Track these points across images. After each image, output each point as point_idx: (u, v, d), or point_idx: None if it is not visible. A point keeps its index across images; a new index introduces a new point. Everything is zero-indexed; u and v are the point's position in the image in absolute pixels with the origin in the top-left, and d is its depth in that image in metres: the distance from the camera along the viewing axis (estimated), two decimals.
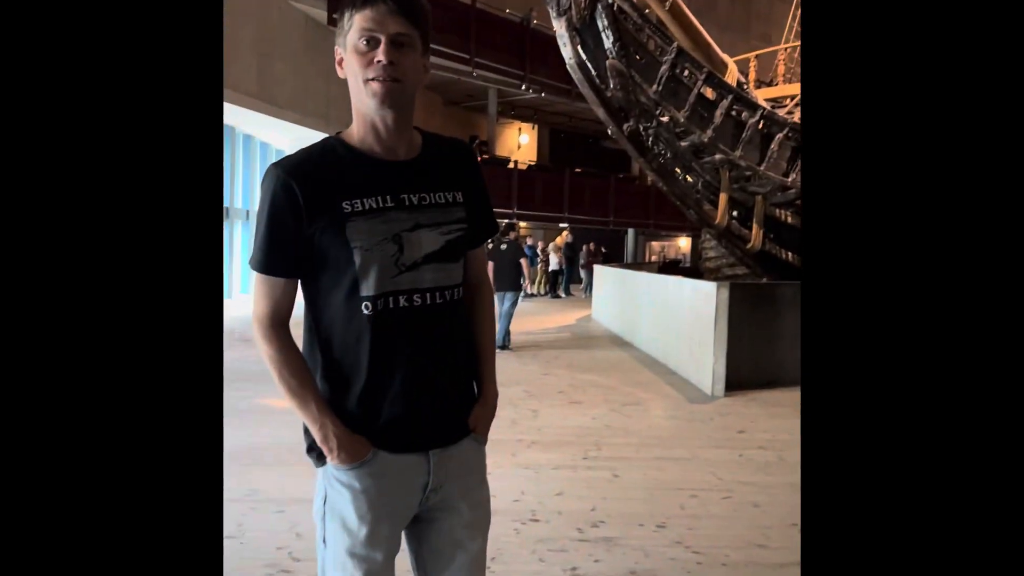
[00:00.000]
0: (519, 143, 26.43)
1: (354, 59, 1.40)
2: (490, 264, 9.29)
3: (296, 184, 1.40)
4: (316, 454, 1.51)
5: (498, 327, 9.19)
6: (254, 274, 1.48)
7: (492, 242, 12.19)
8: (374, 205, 1.42)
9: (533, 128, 26.97)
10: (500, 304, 9.39)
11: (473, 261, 1.63)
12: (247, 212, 17.13)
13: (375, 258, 1.42)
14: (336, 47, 1.46)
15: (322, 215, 1.41)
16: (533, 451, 4.92)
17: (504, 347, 9.51)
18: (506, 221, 12.12)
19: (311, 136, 15.69)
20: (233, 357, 8.43)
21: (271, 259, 1.44)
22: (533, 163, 24.41)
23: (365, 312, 1.43)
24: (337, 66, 1.47)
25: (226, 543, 3.25)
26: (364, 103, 1.42)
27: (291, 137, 16.46)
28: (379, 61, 1.37)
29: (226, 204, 16.16)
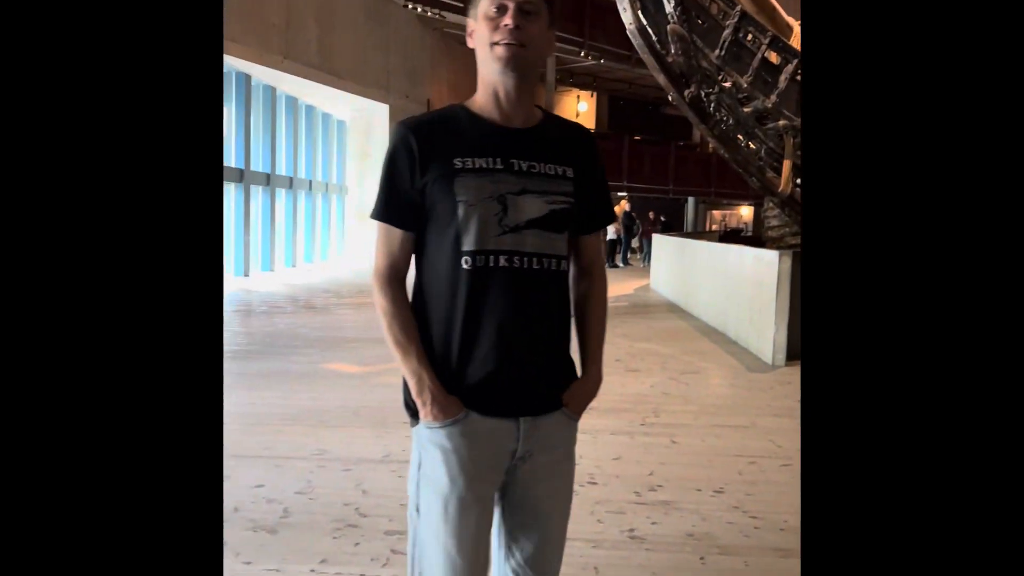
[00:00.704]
0: (577, 111, 26.20)
1: (484, 25, 1.47)
2: None
3: (414, 138, 1.49)
4: (412, 410, 1.54)
5: None
6: (375, 229, 1.56)
7: None
8: (484, 165, 1.48)
9: (592, 95, 26.69)
10: None
11: (587, 247, 1.67)
12: (310, 183, 17.44)
13: (478, 214, 1.47)
14: (468, 19, 1.53)
15: (434, 169, 1.48)
16: (590, 417, 4.93)
17: None
18: None
19: (371, 107, 15.85)
20: (298, 323, 8.70)
21: (389, 208, 1.52)
22: (592, 131, 24.17)
23: (465, 267, 1.48)
24: (468, 38, 1.54)
25: (296, 499, 3.42)
26: (489, 68, 1.49)
27: (352, 108, 16.65)
28: (506, 25, 1.43)
29: (290, 175, 16.50)
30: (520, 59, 1.46)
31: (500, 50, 1.45)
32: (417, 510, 1.55)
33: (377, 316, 1.54)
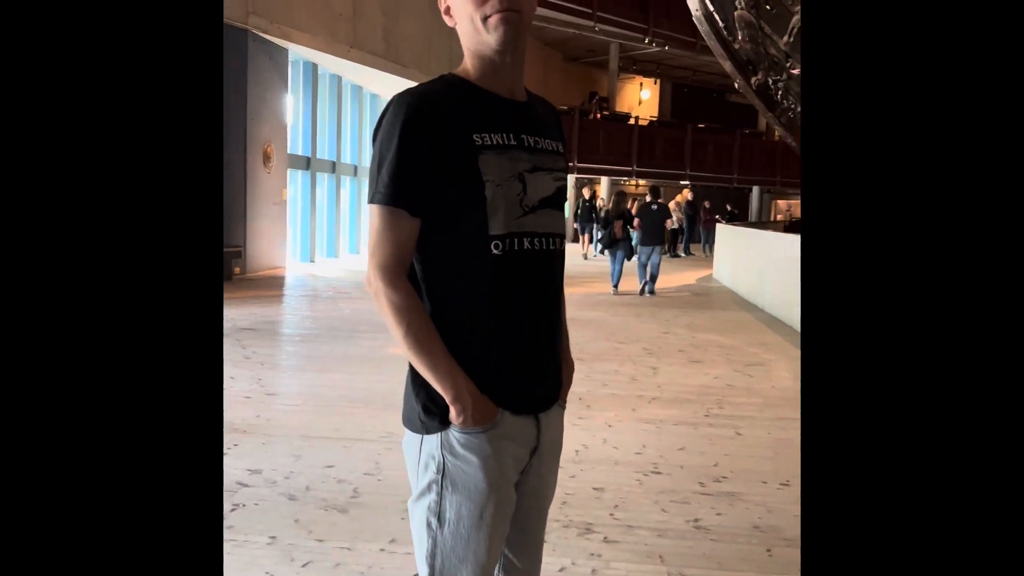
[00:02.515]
0: (640, 98, 25.92)
1: (467, 2, 1.37)
2: (637, 220, 10.97)
3: (430, 111, 1.34)
4: (438, 418, 1.39)
5: (648, 276, 11.01)
6: (375, 215, 1.36)
7: (637, 202, 12.27)
8: (501, 141, 1.38)
9: (655, 83, 26.37)
10: (648, 256, 10.96)
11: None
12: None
13: (504, 194, 1.37)
14: None
15: (453, 145, 1.34)
16: (653, 407, 4.97)
17: (652, 293, 11.00)
18: (652, 186, 12.48)
19: None
20: (362, 308, 8.88)
21: (401, 192, 1.33)
22: (654, 119, 23.89)
23: (494, 251, 1.37)
24: (445, 16, 1.43)
25: (365, 479, 3.52)
26: (484, 43, 1.38)
27: None
28: None
29: (355, 163, 16.76)
30: (516, 24, 1.35)
31: (495, 20, 1.33)
32: (439, 519, 1.41)
33: (386, 317, 1.36)
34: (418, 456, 1.43)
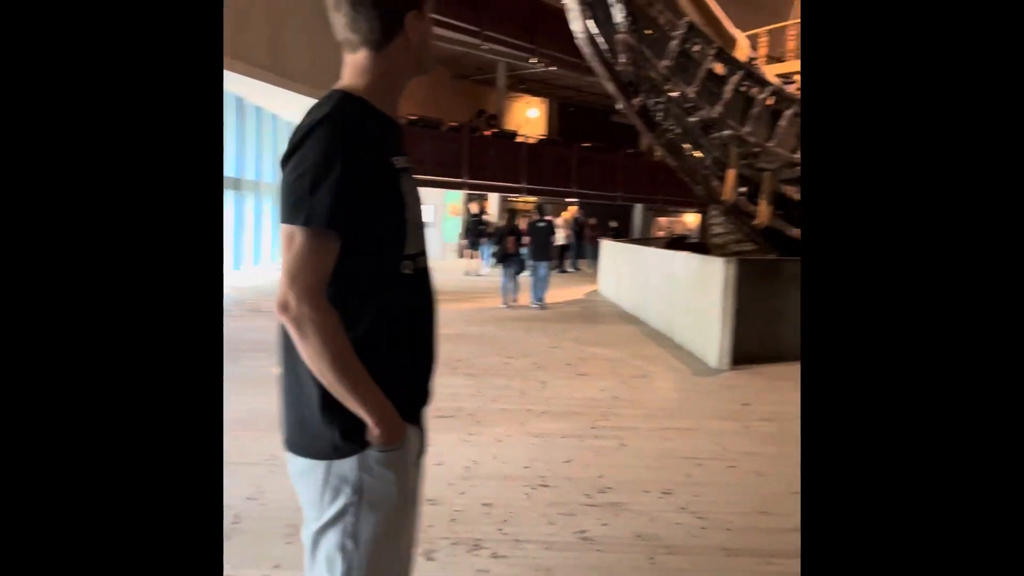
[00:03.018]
0: (528, 117, 26.35)
1: (429, 25, 1.48)
2: (527, 238, 11.55)
3: (364, 137, 1.36)
4: (360, 442, 1.38)
5: (536, 290, 11.61)
6: (303, 238, 1.31)
7: (527, 219, 12.53)
8: (405, 163, 1.45)
9: (542, 102, 26.87)
10: (538, 270, 11.55)
11: None
12: (258, 184, 17.17)
13: (414, 215, 1.45)
14: (408, 14, 1.44)
15: (383, 169, 1.39)
16: (542, 421, 5.04)
17: (543, 306, 11.53)
18: (539, 203, 12.84)
19: None
20: (246, 327, 8.56)
21: (338, 214, 1.31)
22: (542, 137, 24.35)
23: (405, 271, 1.43)
24: (407, 34, 1.44)
25: (247, 504, 3.39)
26: (421, 68, 1.50)
27: (304, 109, 16.41)
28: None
29: (237, 176, 16.21)
30: None
31: (434, 53, 1.47)
32: (355, 541, 1.40)
33: (309, 342, 1.32)
34: (323, 483, 1.40)
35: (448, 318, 9.79)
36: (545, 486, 3.78)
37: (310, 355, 1.33)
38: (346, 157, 1.31)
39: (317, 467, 1.41)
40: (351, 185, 1.31)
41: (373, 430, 1.38)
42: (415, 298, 1.48)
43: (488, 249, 17.41)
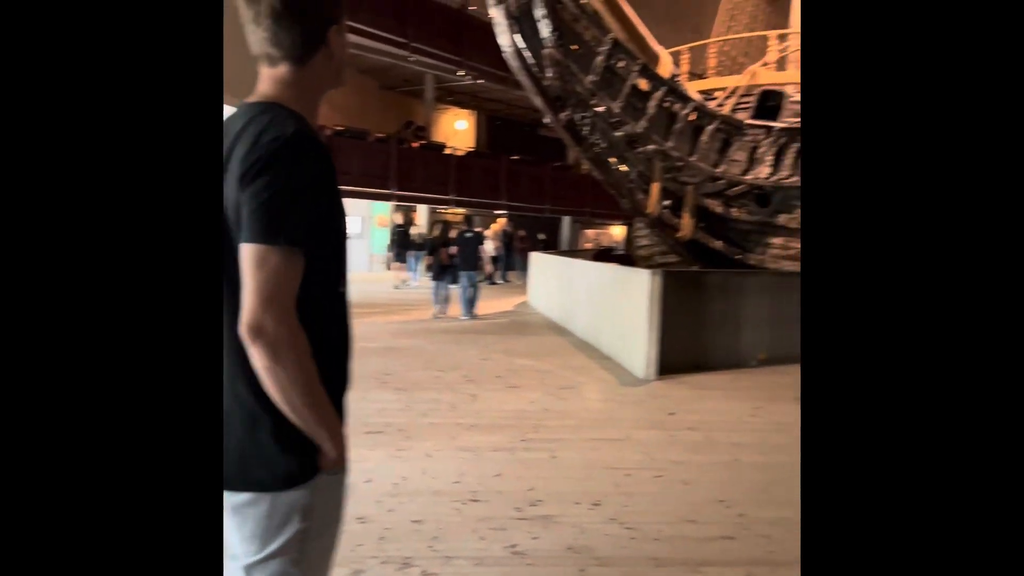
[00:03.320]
0: (456, 129, 26.36)
1: (346, 38, 1.47)
2: (455, 248, 11.66)
3: (327, 156, 1.35)
4: (314, 467, 1.35)
5: (465, 301, 11.76)
6: (277, 257, 1.26)
7: (456, 230, 12.70)
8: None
9: (471, 114, 26.94)
10: (467, 281, 11.66)
11: None
12: None
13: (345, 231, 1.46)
14: (331, 29, 1.43)
15: (336, 187, 1.40)
16: (472, 434, 5.02)
17: (473, 316, 11.70)
18: (467, 215, 12.97)
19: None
20: None
21: (301, 231, 1.29)
22: (471, 149, 24.40)
23: (341, 291, 1.44)
24: (332, 49, 1.44)
25: None
26: (336, 81, 1.49)
27: None
28: None
29: None
30: None
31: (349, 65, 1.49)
32: (298, 568, 1.36)
33: (284, 366, 1.26)
34: (267, 515, 1.33)
35: (377, 331, 9.67)
36: (475, 501, 3.76)
37: (284, 380, 1.26)
38: (314, 178, 1.30)
39: (261, 499, 1.33)
40: (321, 203, 1.32)
41: (329, 453, 1.35)
42: (347, 317, 1.48)
43: (416, 260, 17.26)
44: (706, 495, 3.96)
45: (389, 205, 19.89)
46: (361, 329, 8.45)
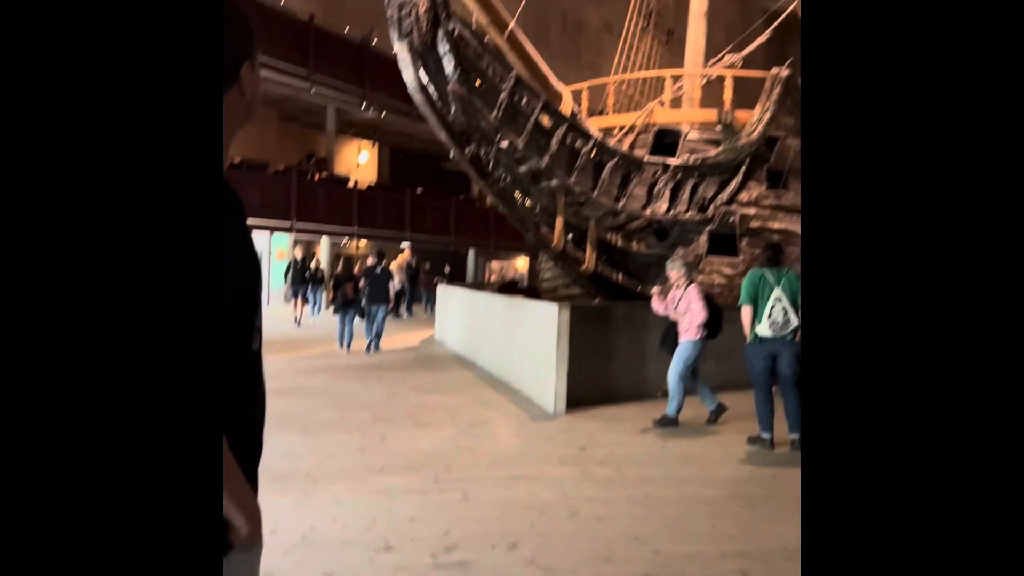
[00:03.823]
0: (358, 161, 26.10)
1: (259, 75, 1.44)
2: (362, 281, 11.83)
3: (239, 203, 1.31)
4: (224, 544, 1.24)
5: (374, 334, 11.85)
6: None
7: (361, 264, 12.55)
8: None
9: (373, 146, 26.75)
10: (375, 315, 11.81)
11: None
12: None
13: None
14: (245, 67, 1.37)
15: (248, 236, 1.34)
16: (383, 476, 4.89)
17: (378, 348, 11.87)
18: (376, 249, 12.94)
19: None
20: None
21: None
22: (375, 182, 24.19)
23: (255, 348, 1.34)
24: (243, 86, 1.38)
25: None
26: (248, 117, 1.44)
27: None
28: None
29: None
30: None
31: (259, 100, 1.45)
32: None
33: None
34: None
35: (280, 369, 9.35)
36: (389, 549, 3.65)
37: None
38: (231, 231, 1.21)
39: None
40: (232, 258, 1.20)
41: (241, 529, 1.24)
42: (260, 377, 1.37)
43: (318, 295, 16.80)
44: (621, 531, 3.98)
45: (289, 238, 19.42)
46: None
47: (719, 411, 6.89)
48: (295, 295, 16.06)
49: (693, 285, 6.78)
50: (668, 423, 6.66)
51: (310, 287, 16.68)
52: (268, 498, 4.35)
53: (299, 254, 16.61)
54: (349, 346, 11.69)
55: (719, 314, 6.83)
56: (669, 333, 6.99)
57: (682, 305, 6.73)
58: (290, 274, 16.39)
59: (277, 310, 18.02)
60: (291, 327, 15.12)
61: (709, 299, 6.87)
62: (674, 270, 6.89)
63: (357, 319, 11.80)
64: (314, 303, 16.88)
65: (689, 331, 6.66)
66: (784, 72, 10.99)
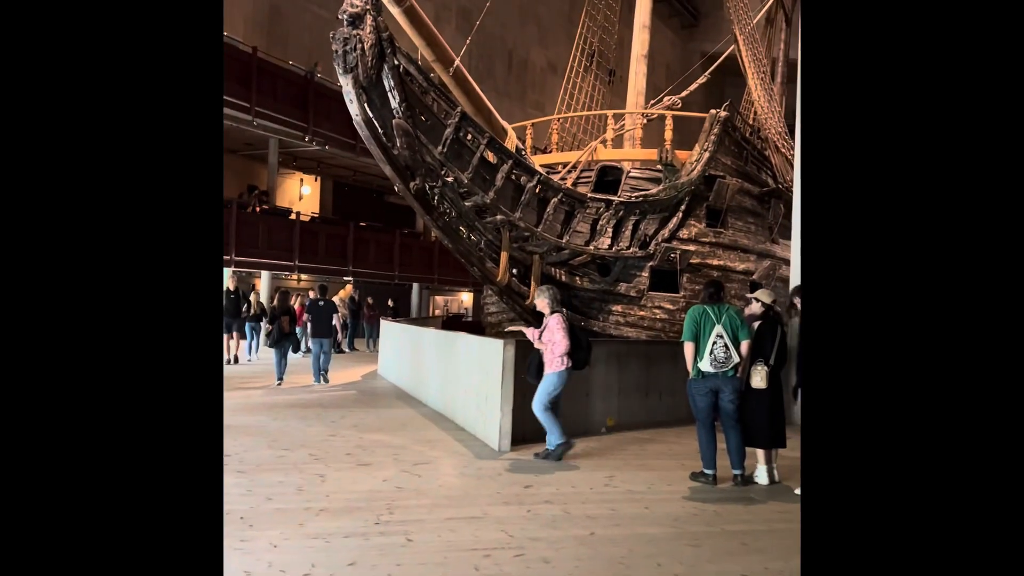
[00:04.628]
0: (301, 194, 25.79)
1: None
2: (305, 316, 12.16)
3: None
4: None
5: (317, 369, 12.10)
6: None
7: (300, 297, 12.54)
8: None
9: (316, 180, 26.48)
10: (320, 348, 12.09)
11: None
12: None
13: None
14: None
15: None
16: (322, 519, 4.73)
17: (327, 381, 12.13)
18: (320, 283, 13.08)
19: None
20: None
21: None
22: (316, 215, 23.91)
23: None
24: None
25: None
26: None
27: None
28: None
29: None
30: None
31: None
32: None
33: None
34: None
35: None
36: None
37: None
38: None
39: None
40: None
41: None
42: None
43: (254, 332, 16.12)
44: (567, 573, 3.91)
45: (228, 271, 18.98)
46: None
47: (561, 449, 6.71)
48: (227, 329, 14.82)
49: (555, 315, 6.80)
50: (550, 456, 6.63)
51: (246, 324, 15.99)
52: None
53: (231, 284, 15.47)
54: (282, 379, 11.67)
55: (585, 345, 6.88)
56: (532, 362, 6.98)
57: (546, 335, 6.77)
58: (223, 305, 15.34)
59: None
60: (227, 364, 14.52)
61: (575, 330, 6.92)
62: (540, 298, 6.93)
63: (295, 353, 11.89)
64: (252, 340, 16.20)
65: (552, 363, 6.69)
66: (722, 113, 11.30)
